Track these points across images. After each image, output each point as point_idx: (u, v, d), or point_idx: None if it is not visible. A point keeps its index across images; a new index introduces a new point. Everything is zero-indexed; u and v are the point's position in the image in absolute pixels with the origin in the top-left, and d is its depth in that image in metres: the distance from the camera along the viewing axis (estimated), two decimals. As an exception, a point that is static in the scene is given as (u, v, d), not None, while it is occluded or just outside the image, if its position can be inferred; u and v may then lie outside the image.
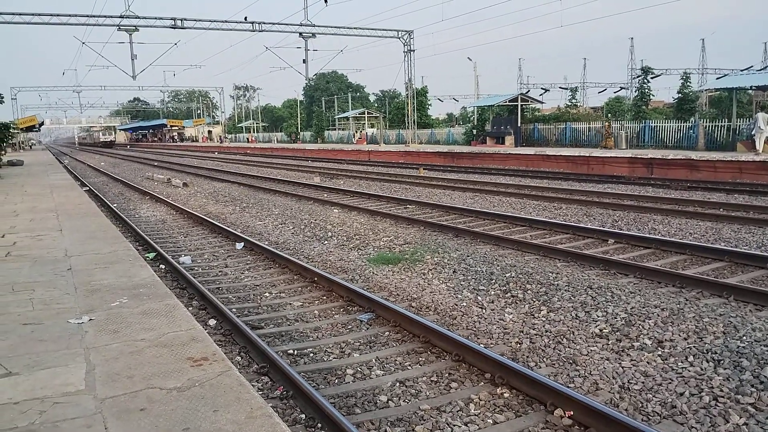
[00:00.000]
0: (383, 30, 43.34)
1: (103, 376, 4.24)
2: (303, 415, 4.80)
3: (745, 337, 5.76)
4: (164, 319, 5.50)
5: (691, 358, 5.47)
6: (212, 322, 7.14)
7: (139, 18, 36.67)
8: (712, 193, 16.69)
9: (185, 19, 37.58)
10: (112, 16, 36.42)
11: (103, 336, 5.08)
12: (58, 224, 11.43)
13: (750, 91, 31.66)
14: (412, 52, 43.82)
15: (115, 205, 18.51)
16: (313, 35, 41.40)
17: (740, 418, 4.44)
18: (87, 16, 35.98)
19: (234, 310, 7.55)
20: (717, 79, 45.20)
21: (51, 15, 35.51)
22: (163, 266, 10.10)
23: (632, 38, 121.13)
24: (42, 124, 76.55)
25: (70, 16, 35.73)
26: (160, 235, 13.58)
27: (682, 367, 5.31)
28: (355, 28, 42.52)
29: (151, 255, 10.83)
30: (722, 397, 4.76)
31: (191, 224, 14.99)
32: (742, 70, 46.65)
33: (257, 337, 6.24)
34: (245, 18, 38.44)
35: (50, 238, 9.89)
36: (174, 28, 37.37)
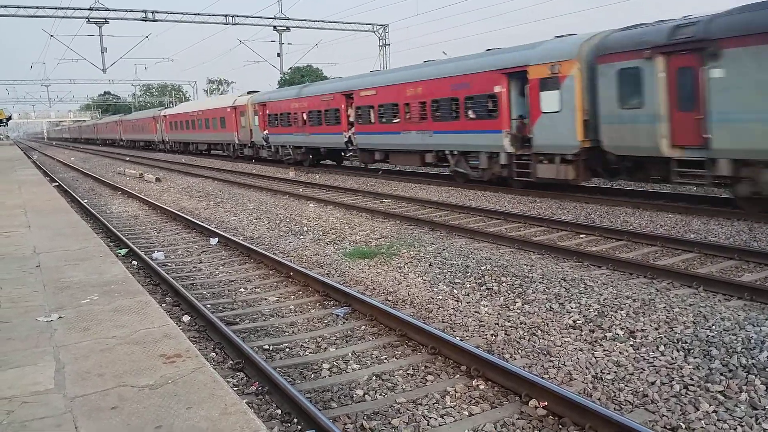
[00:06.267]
0: (358, 24, 43.21)
1: (73, 374, 4.16)
2: (279, 411, 4.78)
3: (714, 327, 5.87)
4: (136, 316, 5.42)
5: (662, 348, 5.56)
6: (186, 318, 7.06)
7: (108, 10, 35.96)
8: (683, 186, 16.95)
9: (156, 12, 36.94)
10: (81, 8, 35.67)
11: (73, 334, 4.98)
12: (27, 221, 11.18)
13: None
14: (387, 46, 43.74)
15: (85, 201, 18.17)
16: (288, 29, 41.07)
17: (710, 405, 4.53)
18: (55, 8, 35.18)
19: (208, 305, 7.47)
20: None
21: (18, 7, 34.62)
22: (135, 262, 9.95)
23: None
24: (9, 118, 74.17)
25: (37, 8, 34.86)
26: (133, 231, 13.37)
27: (654, 357, 5.40)
28: (329, 22, 42.29)
29: (123, 251, 10.66)
30: (692, 385, 4.86)
31: (164, 220, 14.79)
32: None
33: (232, 333, 6.19)
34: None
35: (18, 235, 9.67)
36: (145, 20, 36.70)
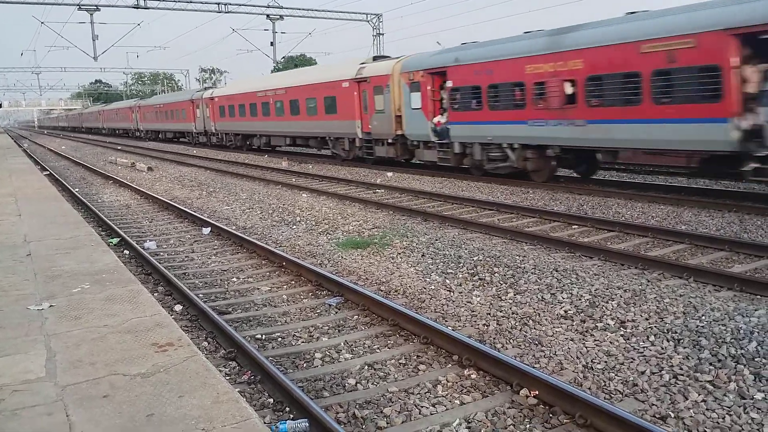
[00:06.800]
0: (352, 13, 43.01)
1: (64, 363, 4.15)
2: (271, 399, 4.79)
3: (704, 317, 5.92)
4: (128, 304, 5.41)
5: (652, 338, 5.60)
6: (178, 307, 7.05)
7: (100, -3, 35.57)
8: (674, 177, 17.05)
9: (148, -1, 36.58)
10: (71, -5, 35.25)
11: (64, 322, 4.97)
12: (17, 209, 11.10)
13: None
14: (381, 36, 43.55)
15: (76, 189, 18.06)
16: (281, 17, 40.80)
17: (699, 395, 4.58)
18: (45, -6, 34.77)
19: (201, 295, 7.46)
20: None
21: (7, -7, 34.20)
22: (127, 252, 9.91)
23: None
24: (0, 106, 73.22)
25: (27, -6, 34.47)
26: (124, 220, 13.32)
27: (644, 347, 5.44)
28: (323, 11, 42.04)
29: (115, 240, 10.61)
30: (682, 375, 4.90)
31: (156, 209, 14.73)
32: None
33: (224, 322, 6.19)
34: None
35: (9, 223, 9.61)
36: (137, 8, 36.32)
